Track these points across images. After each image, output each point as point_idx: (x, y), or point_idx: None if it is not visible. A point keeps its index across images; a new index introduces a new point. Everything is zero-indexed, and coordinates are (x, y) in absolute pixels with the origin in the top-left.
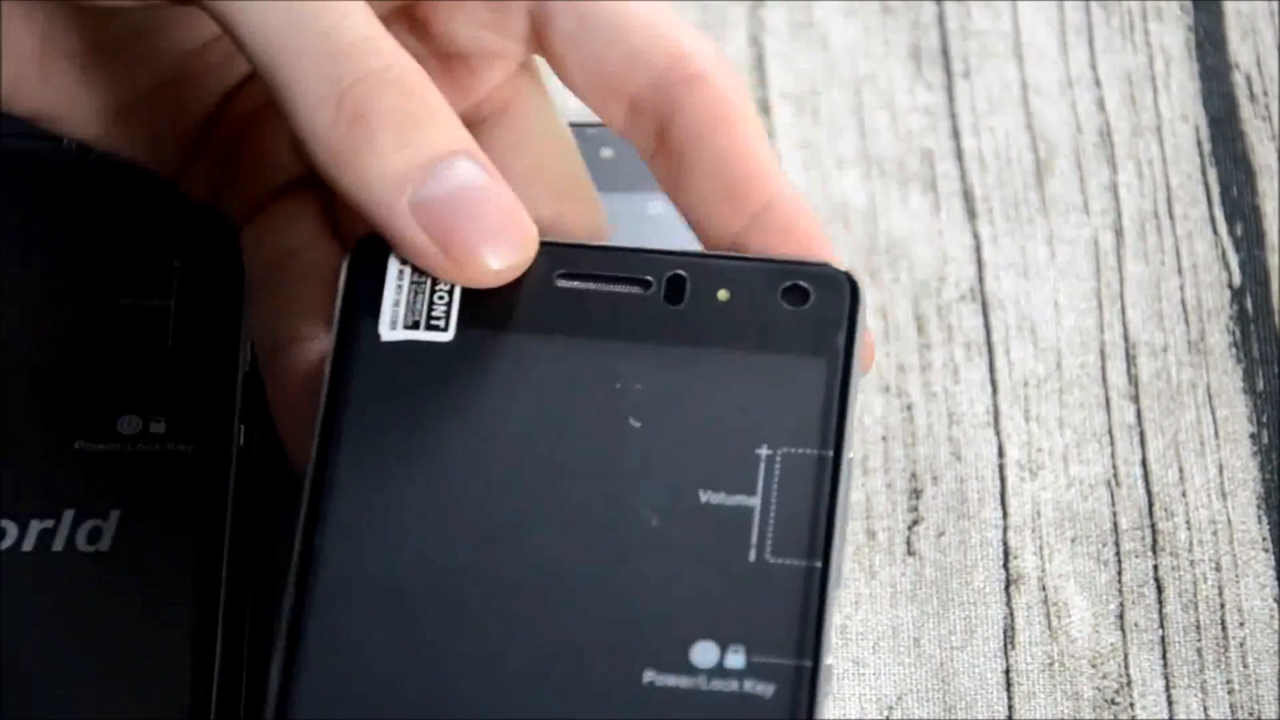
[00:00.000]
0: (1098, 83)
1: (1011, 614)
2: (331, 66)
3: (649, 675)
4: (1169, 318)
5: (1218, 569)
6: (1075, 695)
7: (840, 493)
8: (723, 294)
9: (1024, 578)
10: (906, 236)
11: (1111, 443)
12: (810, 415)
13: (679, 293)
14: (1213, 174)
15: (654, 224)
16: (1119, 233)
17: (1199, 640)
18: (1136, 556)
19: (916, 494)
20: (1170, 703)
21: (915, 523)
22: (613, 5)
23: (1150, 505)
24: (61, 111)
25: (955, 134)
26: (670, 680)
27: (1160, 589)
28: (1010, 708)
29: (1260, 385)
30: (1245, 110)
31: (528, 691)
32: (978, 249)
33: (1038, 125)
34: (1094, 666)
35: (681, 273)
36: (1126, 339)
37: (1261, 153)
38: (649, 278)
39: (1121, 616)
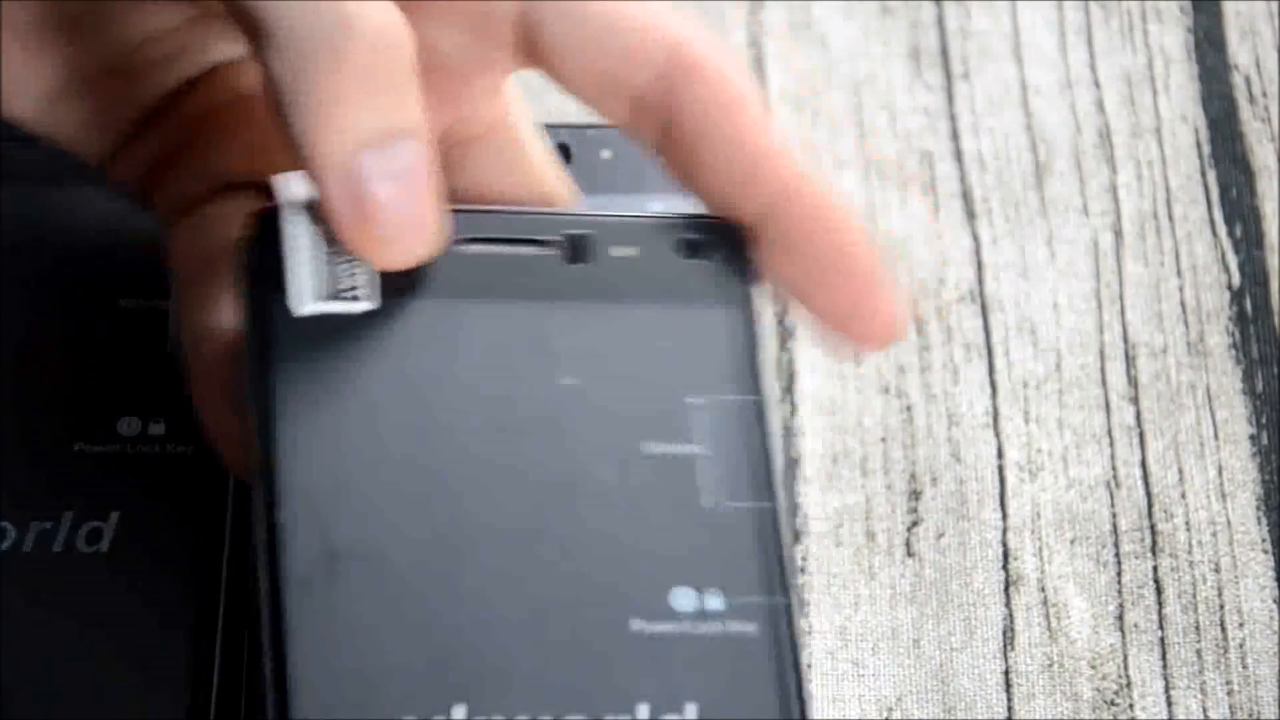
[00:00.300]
0: (1097, 84)
1: (1011, 615)
2: (321, 12)
3: (636, 624)
4: (1168, 319)
5: (1217, 570)
6: (1075, 696)
7: (771, 434)
8: (625, 250)
9: (1023, 579)
10: (906, 237)
11: (1111, 444)
12: (731, 362)
13: (582, 252)
14: (1212, 175)
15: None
16: (1118, 234)
17: (1198, 641)
18: (1136, 558)
19: (916, 495)
20: (1170, 704)
21: (915, 524)
22: (603, 4)
23: (1150, 506)
24: (4, 88)
25: (955, 135)
26: (658, 627)
27: (1160, 590)
28: (1010, 709)
29: (1260, 386)
30: (1245, 111)
31: (523, 652)
32: (977, 250)
33: (1037, 126)
34: (1093, 667)
35: (581, 232)
36: (1126, 340)
37: (1261, 154)
38: (550, 238)
39: (1121, 618)
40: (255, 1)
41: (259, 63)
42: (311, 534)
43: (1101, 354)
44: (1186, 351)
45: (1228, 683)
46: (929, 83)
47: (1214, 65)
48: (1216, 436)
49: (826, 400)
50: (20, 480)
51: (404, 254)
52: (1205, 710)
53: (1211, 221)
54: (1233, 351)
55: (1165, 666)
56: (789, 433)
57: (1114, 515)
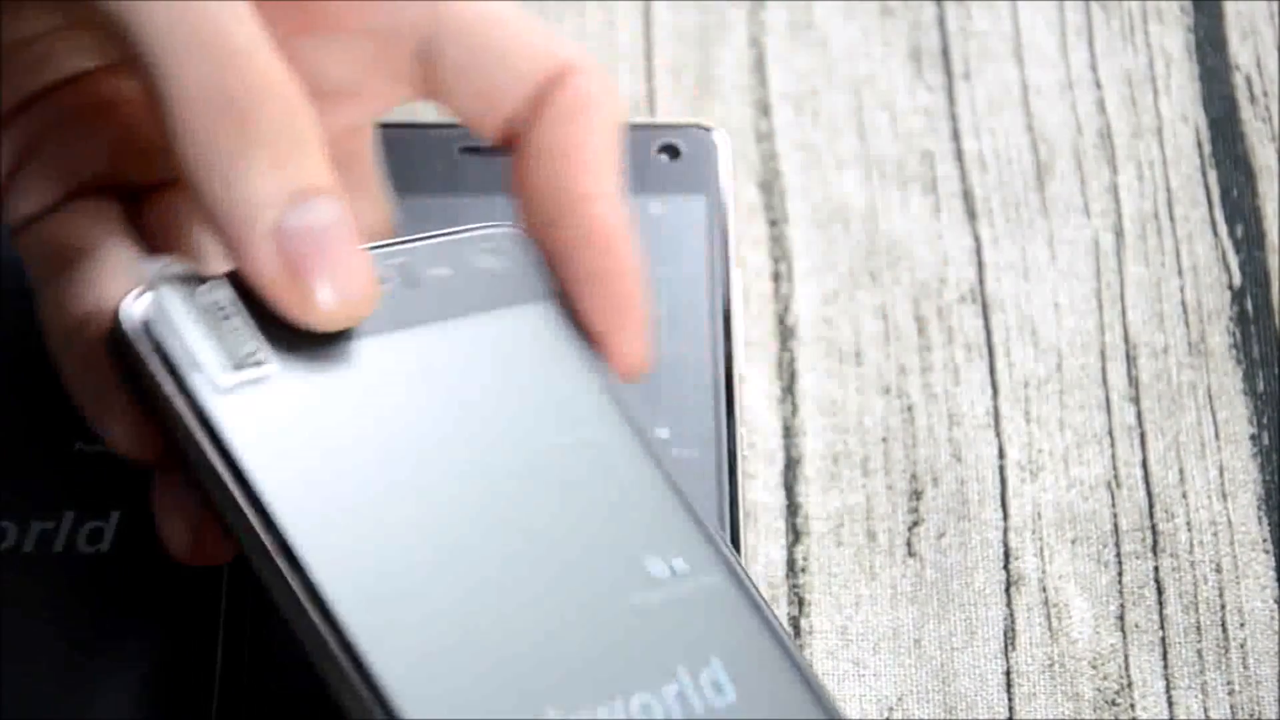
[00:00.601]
0: (1098, 84)
1: (1012, 615)
2: (222, 68)
3: (636, 598)
4: (1169, 319)
5: (1218, 570)
6: (1076, 696)
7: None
8: (440, 270)
9: (1024, 579)
10: (906, 238)
11: (1112, 444)
12: (581, 352)
13: (412, 279)
14: (1213, 175)
15: (656, 224)
16: (1119, 234)
17: (1199, 641)
18: (1137, 558)
19: (917, 495)
20: (1171, 704)
21: (916, 524)
22: (500, 29)
23: (1151, 506)
24: None
25: (955, 135)
26: (651, 595)
27: (1161, 590)
28: (1011, 709)
29: (1260, 387)
30: (1245, 111)
31: (562, 649)
32: (978, 250)
33: (1038, 126)
34: (1094, 668)
35: (401, 260)
36: (1127, 340)
37: (1262, 154)
38: (387, 271)
39: (1122, 618)
40: (155, 60)
41: (157, 115)
42: (349, 576)
43: (1102, 354)
44: (1187, 352)
45: (1229, 683)
46: (929, 83)
47: (1215, 65)
48: (1217, 436)
49: (827, 400)
50: (21, 480)
51: (342, 310)
52: (1206, 710)
53: (1212, 221)
54: (1233, 352)
55: (1166, 667)
56: (789, 433)
57: (1115, 515)
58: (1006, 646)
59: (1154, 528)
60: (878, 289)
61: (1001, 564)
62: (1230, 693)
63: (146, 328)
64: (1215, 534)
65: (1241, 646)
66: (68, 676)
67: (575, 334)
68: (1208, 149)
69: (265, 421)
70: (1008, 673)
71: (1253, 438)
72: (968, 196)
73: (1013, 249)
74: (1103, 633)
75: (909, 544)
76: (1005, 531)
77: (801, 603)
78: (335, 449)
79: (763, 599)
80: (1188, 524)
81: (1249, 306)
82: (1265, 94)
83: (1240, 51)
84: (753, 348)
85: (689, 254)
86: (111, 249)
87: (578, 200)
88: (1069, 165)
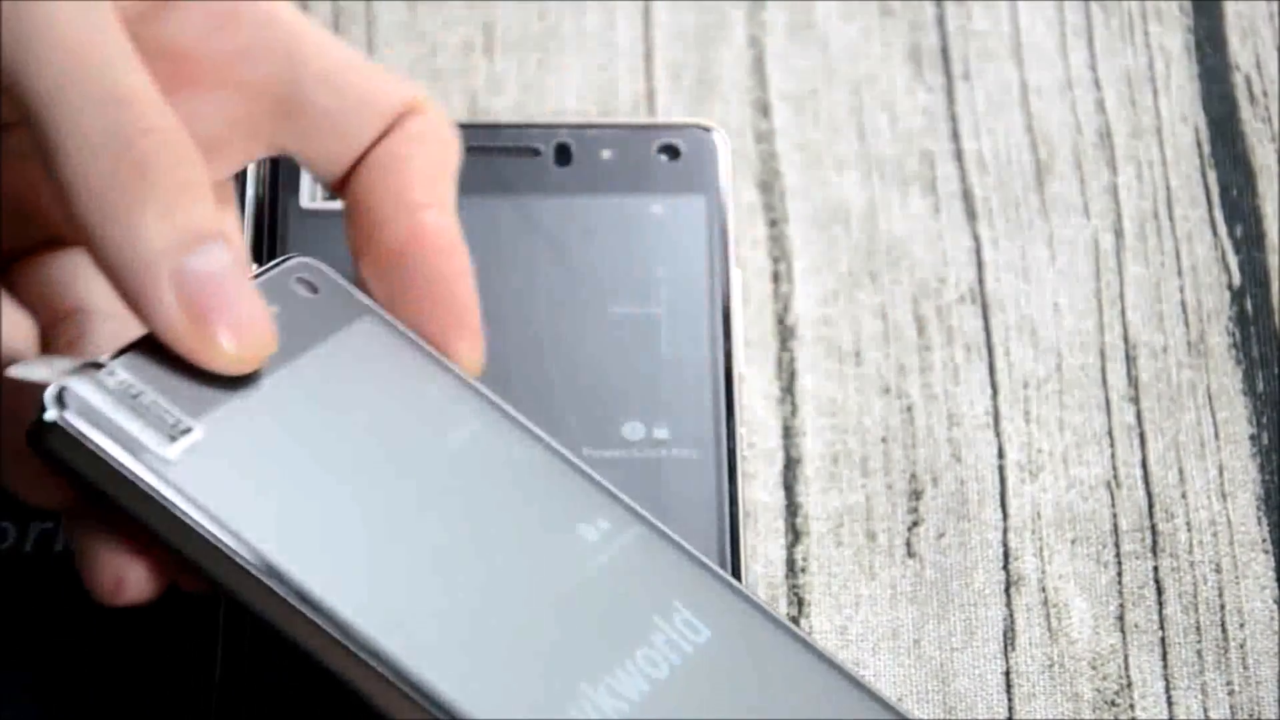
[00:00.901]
0: (1097, 84)
1: (1011, 615)
2: (115, 113)
3: (581, 563)
4: (1169, 319)
5: (1218, 570)
6: (1075, 696)
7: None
8: (274, 307)
9: (1024, 579)
10: (906, 238)
11: (1112, 444)
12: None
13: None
14: (1212, 175)
15: (657, 224)
16: (1119, 234)
17: (1199, 642)
18: (1137, 558)
19: (916, 495)
20: (1170, 704)
21: (915, 524)
22: (357, 73)
23: (1150, 507)
24: None
25: (955, 135)
26: (592, 560)
27: (1160, 590)
28: (1010, 709)
29: (1260, 387)
30: (1245, 112)
31: (525, 619)
32: (978, 250)
33: (1038, 127)
34: (1094, 668)
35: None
36: (1126, 340)
37: (1261, 154)
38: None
39: (1122, 618)
40: (47, 110)
41: (50, 167)
42: (361, 597)
43: (1102, 354)
44: (1187, 352)
45: (1228, 683)
46: (929, 83)
47: (1214, 65)
48: (1217, 436)
49: (827, 400)
50: None
51: (231, 353)
52: (1206, 710)
53: (1212, 221)
54: (1233, 352)
55: (1166, 667)
56: (789, 433)
57: (1114, 515)
58: (1006, 647)
59: (1154, 528)
60: (877, 289)
61: (1001, 564)
62: (1230, 693)
63: (87, 421)
64: (1215, 534)
65: (1241, 646)
66: (67, 677)
67: (412, 340)
68: (1207, 149)
69: (220, 480)
70: (1007, 673)
71: (1252, 438)
72: (967, 196)
73: (1012, 249)
74: (1102, 633)
75: (909, 544)
76: (1005, 531)
77: (801, 603)
78: (284, 485)
79: (678, 538)
80: (1187, 524)
81: (1249, 306)
82: (1265, 94)
83: (1240, 51)
84: (752, 348)
85: (689, 254)
86: (108, 319)
87: (411, 207)
88: (1069, 165)
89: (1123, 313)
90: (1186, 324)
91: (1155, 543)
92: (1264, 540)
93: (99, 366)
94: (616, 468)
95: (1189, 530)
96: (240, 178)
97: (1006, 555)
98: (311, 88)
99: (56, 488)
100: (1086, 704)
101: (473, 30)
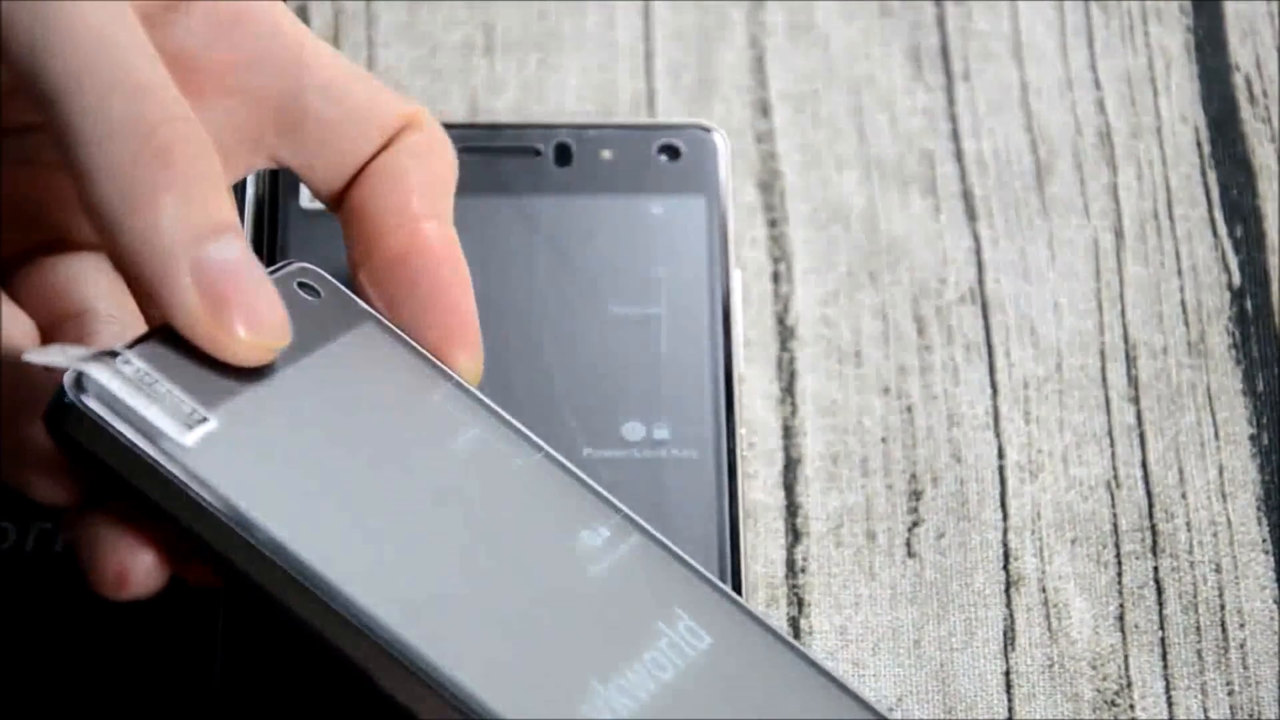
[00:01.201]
0: (1097, 84)
1: (1011, 615)
2: (138, 100)
3: (586, 568)
4: (1169, 319)
5: (1218, 570)
6: (1075, 697)
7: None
8: (305, 294)
9: (1024, 579)
10: (906, 238)
11: (1111, 444)
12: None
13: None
14: (1212, 175)
15: (657, 224)
16: (1119, 234)
17: (1199, 642)
18: (1136, 558)
19: (916, 495)
20: (1170, 704)
21: (915, 524)
22: (361, 85)
23: (1150, 507)
24: None
25: (955, 136)
26: (595, 565)
27: (1160, 590)
28: (1010, 709)
29: (1260, 387)
30: (1245, 112)
31: (536, 619)
32: (978, 251)
33: (1038, 127)
34: (1094, 668)
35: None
36: (1126, 340)
37: (1261, 154)
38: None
39: (1121, 618)
40: (69, 99)
41: (67, 159)
42: (378, 586)
43: (1102, 354)
44: (1187, 352)
45: (1228, 683)
46: (929, 83)
47: (1214, 65)
48: (1217, 437)
49: (827, 400)
50: None
51: (266, 341)
52: (1206, 711)
53: (1212, 222)
54: (1233, 352)
55: (1166, 667)
56: (789, 433)
57: (1114, 515)
58: (1006, 647)
59: (1153, 528)
60: (877, 289)
61: (1001, 564)
62: (1230, 693)
63: (105, 406)
64: (1215, 534)
65: (1241, 647)
66: (67, 677)
67: (413, 346)
68: (1207, 149)
69: (237, 468)
70: (1007, 673)
71: (1252, 438)
72: (967, 197)
73: (1012, 249)
74: (1102, 633)
75: (908, 544)
76: (1005, 532)
77: (801, 603)
78: (298, 478)
79: (675, 547)
80: (1187, 524)
81: (1248, 306)
82: (1265, 94)
83: (1240, 51)
84: (752, 348)
85: (689, 254)
86: (112, 320)
87: (412, 218)
88: (1068, 165)
89: (1123, 313)
90: (1186, 324)
91: (1155, 543)
92: (1264, 540)
93: (114, 355)
94: (616, 468)
95: (1189, 530)
96: (241, 179)
97: (1006, 555)
98: (313, 99)
99: (58, 482)
100: (1086, 704)
101: (473, 30)
